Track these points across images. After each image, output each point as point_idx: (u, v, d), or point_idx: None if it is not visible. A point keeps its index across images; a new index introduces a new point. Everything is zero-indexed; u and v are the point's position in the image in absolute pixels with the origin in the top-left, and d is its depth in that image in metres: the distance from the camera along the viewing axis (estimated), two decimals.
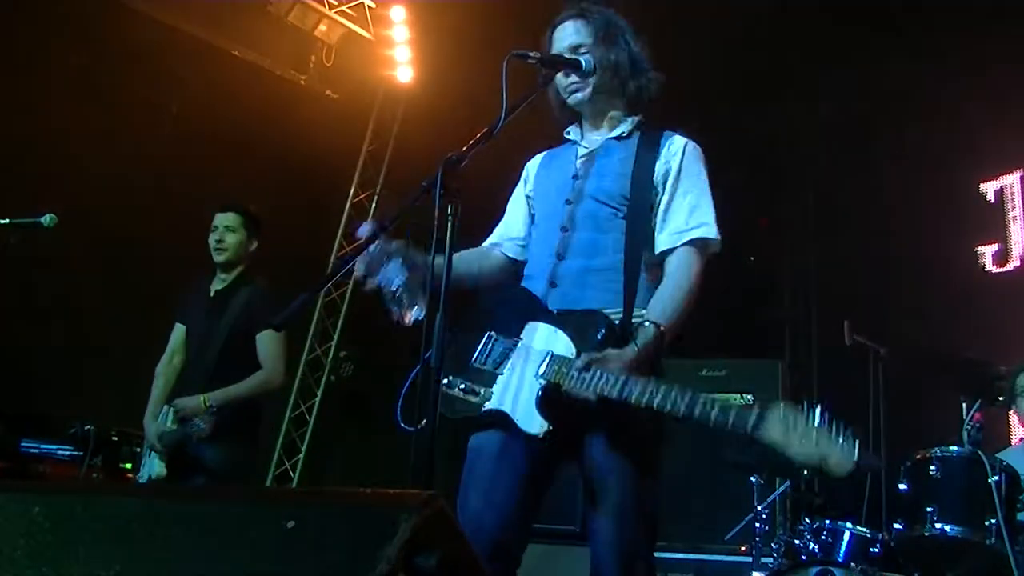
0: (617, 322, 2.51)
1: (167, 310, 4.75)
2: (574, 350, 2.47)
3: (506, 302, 2.75)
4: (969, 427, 4.48)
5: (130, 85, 6.68)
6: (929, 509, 4.13)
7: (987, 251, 6.58)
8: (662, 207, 2.63)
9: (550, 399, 2.43)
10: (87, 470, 5.12)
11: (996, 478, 4.05)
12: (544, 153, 2.94)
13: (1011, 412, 5.34)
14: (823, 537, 4.43)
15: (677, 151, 2.68)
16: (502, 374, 2.56)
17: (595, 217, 2.64)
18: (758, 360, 6.13)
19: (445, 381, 2.53)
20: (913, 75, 6.81)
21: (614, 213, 2.63)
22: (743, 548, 4.83)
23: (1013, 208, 6.52)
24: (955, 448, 4.33)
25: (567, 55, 2.66)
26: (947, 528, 4.09)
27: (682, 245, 2.59)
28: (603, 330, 2.48)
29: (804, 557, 4.41)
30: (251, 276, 4.59)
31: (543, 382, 2.45)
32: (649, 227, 2.62)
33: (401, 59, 7.97)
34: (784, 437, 2.09)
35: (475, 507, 2.50)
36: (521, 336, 2.60)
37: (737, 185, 7.69)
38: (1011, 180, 6.56)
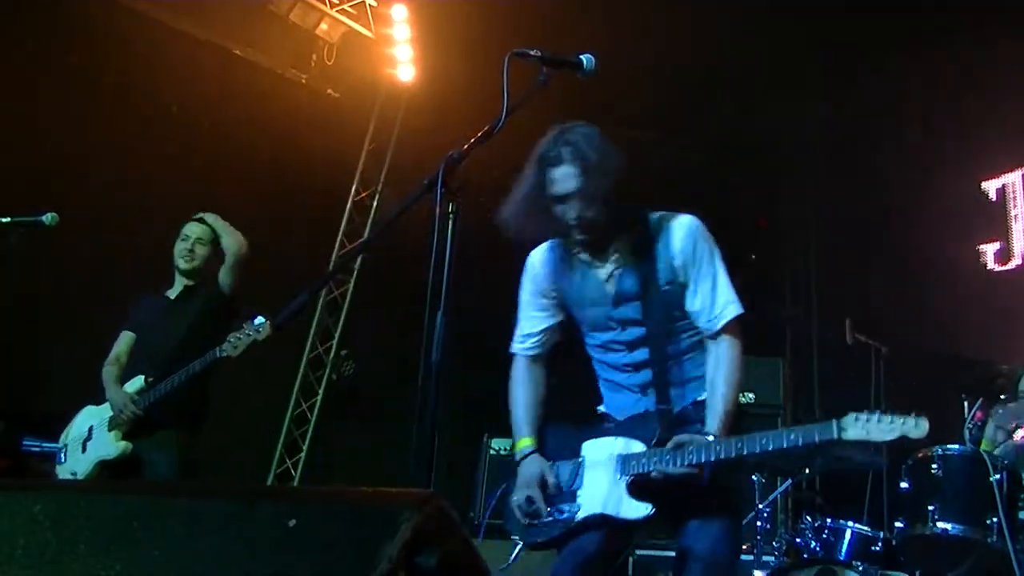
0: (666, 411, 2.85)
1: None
2: (642, 446, 2.79)
3: (552, 432, 3.04)
4: (970, 426, 4.49)
5: (131, 85, 6.68)
6: (930, 507, 4.13)
7: (989, 249, 6.58)
8: (689, 293, 2.87)
9: (641, 487, 2.73)
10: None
11: (997, 476, 4.05)
12: (549, 251, 3.02)
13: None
14: (824, 535, 4.44)
15: (681, 239, 2.86)
16: (581, 488, 2.85)
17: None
18: (759, 359, 6.13)
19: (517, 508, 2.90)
20: (914, 74, 6.81)
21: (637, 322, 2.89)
22: (745, 547, 4.83)
23: (1015, 206, 6.51)
24: (956, 447, 4.33)
25: (564, 191, 2.77)
26: (948, 526, 4.09)
27: (720, 330, 2.86)
28: (657, 425, 2.80)
29: (806, 555, 4.41)
30: (210, 285, 4.69)
31: (627, 478, 2.75)
32: (669, 315, 2.88)
33: (402, 58, 7.96)
34: (866, 432, 2.53)
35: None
36: (582, 455, 2.90)
37: (737, 185, 7.70)
38: (1013, 178, 6.56)
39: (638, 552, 5.40)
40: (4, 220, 4.10)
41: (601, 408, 3.03)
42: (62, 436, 4.67)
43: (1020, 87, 6.28)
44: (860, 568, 4.12)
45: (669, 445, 2.69)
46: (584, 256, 2.93)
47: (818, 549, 4.41)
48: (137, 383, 4.41)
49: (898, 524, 4.29)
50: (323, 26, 7.91)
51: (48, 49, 6.36)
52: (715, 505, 2.79)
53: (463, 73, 7.37)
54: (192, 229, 4.65)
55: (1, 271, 4.09)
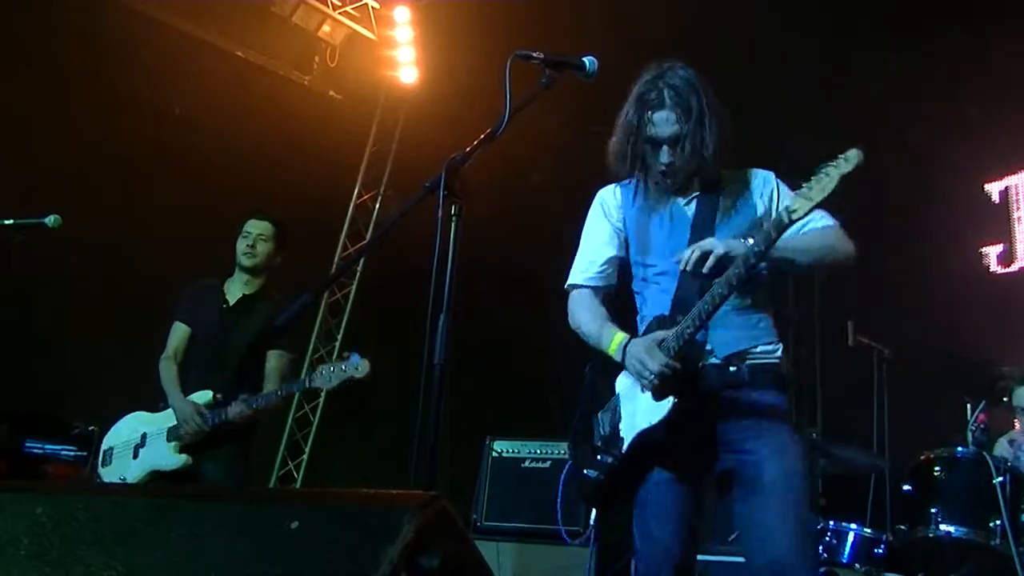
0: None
1: (169, 310, 4.73)
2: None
3: (591, 385, 2.99)
4: (973, 428, 4.48)
5: (134, 87, 6.69)
6: (933, 510, 4.13)
7: (992, 251, 6.56)
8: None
9: (661, 389, 2.63)
10: (90, 470, 5.12)
11: (1000, 479, 4.05)
12: (621, 188, 3.02)
13: (1015, 422, 5.30)
14: (827, 538, 4.43)
15: (762, 180, 2.98)
16: (621, 421, 2.78)
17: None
18: None
19: (592, 473, 2.83)
20: (916, 75, 6.80)
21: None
22: None
23: (1018, 208, 6.50)
24: (959, 449, 4.32)
25: (661, 135, 2.78)
26: (951, 529, 4.09)
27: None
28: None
29: None
30: (271, 289, 4.60)
31: (647, 389, 2.67)
32: None
33: (405, 60, 7.97)
34: (810, 199, 2.47)
35: (659, 536, 2.70)
36: (616, 392, 2.85)
37: None
38: (1016, 180, 6.55)
39: None
40: (7, 222, 4.09)
41: None
42: (107, 438, 4.56)
43: (1022, 89, 6.27)
44: (863, 571, 4.12)
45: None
46: (661, 189, 2.93)
47: (821, 551, 4.40)
48: (205, 396, 4.29)
49: (901, 527, 4.28)
50: (326, 28, 7.91)
51: (51, 51, 6.37)
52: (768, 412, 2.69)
53: (465, 75, 7.38)
54: (254, 225, 4.56)
55: (4, 273, 4.09)
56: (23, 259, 4.10)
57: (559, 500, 3.09)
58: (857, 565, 4.21)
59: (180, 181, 6.76)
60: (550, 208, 8.02)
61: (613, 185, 3.05)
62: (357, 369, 4.22)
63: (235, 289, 4.57)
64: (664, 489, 2.70)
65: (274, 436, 8.07)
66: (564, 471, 3.04)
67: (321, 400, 8.29)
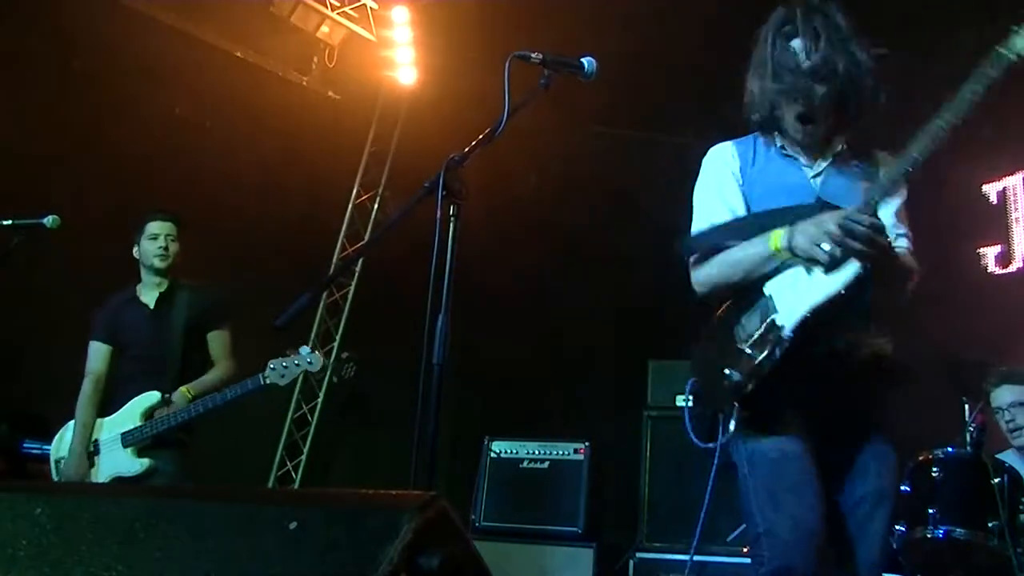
0: None
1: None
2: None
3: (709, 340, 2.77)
4: (971, 429, 4.48)
5: (132, 87, 6.68)
6: (931, 511, 4.13)
7: (989, 253, 6.57)
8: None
9: (837, 258, 2.44)
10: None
11: (999, 480, 4.05)
12: (736, 145, 2.88)
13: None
14: None
15: (892, 163, 2.80)
16: (777, 313, 2.55)
17: None
18: None
19: (735, 375, 2.55)
20: (913, 75, 6.80)
21: None
22: (745, 549, 4.83)
23: (1016, 209, 6.50)
24: (957, 450, 4.32)
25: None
26: (949, 529, 4.09)
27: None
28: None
29: None
30: (180, 279, 4.66)
31: (823, 253, 2.44)
32: None
33: (403, 60, 7.97)
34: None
35: (800, 516, 2.51)
36: (766, 294, 2.60)
37: None
38: (1014, 181, 6.55)
39: (639, 555, 5.40)
40: (5, 222, 4.10)
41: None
42: (53, 448, 4.58)
43: (1021, 89, 6.26)
44: None
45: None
46: (789, 151, 2.78)
47: None
48: (153, 398, 4.34)
49: (898, 527, 4.28)
50: (324, 28, 7.90)
51: (51, 51, 6.37)
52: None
53: (464, 76, 7.37)
54: (161, 226, 4.60)
55: (2, 273, 4.09)
56: (23, 258, 4.10)
57: (687, 419, 2.84)
58: None
59: (179, 181, 6.75)
60: (550, 208, 8.04)
61: (728, 143, 2.91)
62: (311, 363, 4.24)
63: (149, 293, 4.61)
64: (801, 465, 2.54)
65: (272, 436, 8.08)
66: (688, 387, 2.76)
67: (320, 401, 8.29)
